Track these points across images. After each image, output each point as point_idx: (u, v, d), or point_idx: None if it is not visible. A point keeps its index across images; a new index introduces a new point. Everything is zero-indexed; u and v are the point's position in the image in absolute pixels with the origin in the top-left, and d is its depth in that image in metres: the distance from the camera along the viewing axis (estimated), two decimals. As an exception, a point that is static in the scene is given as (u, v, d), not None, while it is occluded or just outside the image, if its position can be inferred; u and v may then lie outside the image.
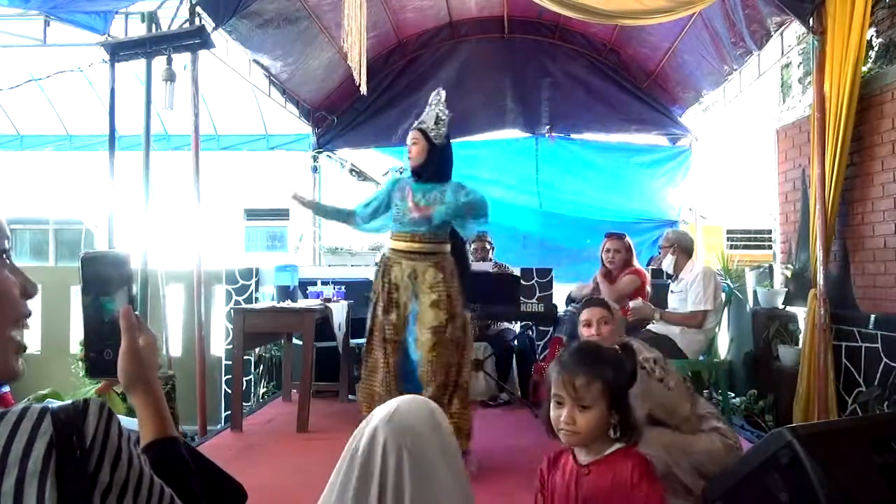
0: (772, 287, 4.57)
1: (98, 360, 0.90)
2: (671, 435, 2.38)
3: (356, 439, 1.33)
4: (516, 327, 5.01)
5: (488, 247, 5.09)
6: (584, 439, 1.57)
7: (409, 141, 3.25)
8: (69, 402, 0.70)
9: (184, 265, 4.99)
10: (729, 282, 4.74)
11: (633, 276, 4.35)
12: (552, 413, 1.59)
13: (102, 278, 0.90)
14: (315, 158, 6.68)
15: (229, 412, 4.63)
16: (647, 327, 3.99)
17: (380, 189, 3.43)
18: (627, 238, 4.53)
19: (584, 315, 2.63)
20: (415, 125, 3.26)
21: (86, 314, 0.90)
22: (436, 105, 3.26)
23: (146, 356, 0.90)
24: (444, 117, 3.24)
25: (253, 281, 5.63)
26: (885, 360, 3.39)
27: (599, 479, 1.56)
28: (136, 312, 0.92)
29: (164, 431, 0.88)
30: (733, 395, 4.43)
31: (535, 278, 5.54)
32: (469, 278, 4.58)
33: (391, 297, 3.21)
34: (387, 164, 7.13)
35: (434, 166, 3.21)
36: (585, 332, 2.60)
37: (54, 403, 0.75)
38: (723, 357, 4.71)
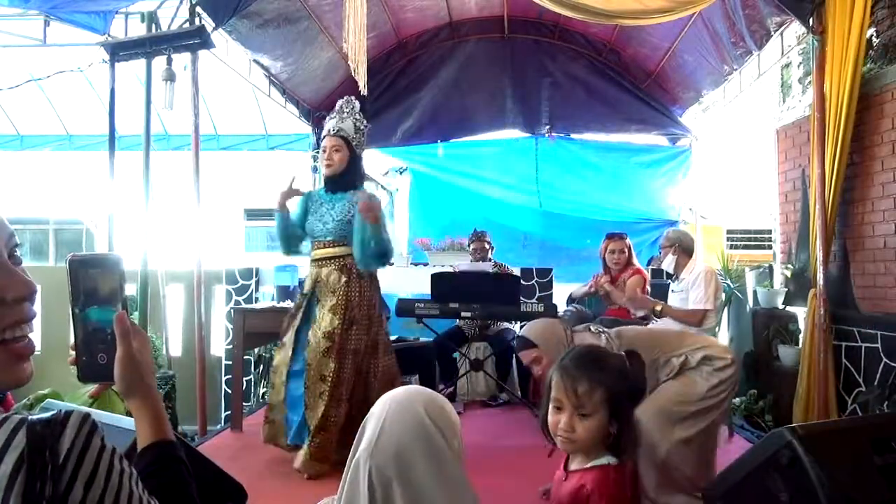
0: (772, 287, 4.57)
1: (91, 364, 0.88)
2: (669, 396, 2.36)
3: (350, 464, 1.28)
4: (516, 327, 5.00)
5: (488, 247, 5.09)
6: (581, 448, 1.53)
7: (328, 147, 3.17)
8: (51, 413, 0.68)
9: (184, 265, 4.99)
10: (729, 282, 4.75)
11: (638, 277, 4.36)
12: (550, 418, 1.55)
13: (94, 282, 0.88)
14: (315, 158, 6.66)
15: (229, 412, 4.63)
16: (648, 326, 3.99)
17: (297, 212, 3.30)
18: (627, 238, 4.55)
19: (523, 361, 2.62)
20: (333, 133, 3.17)
21: (77, 318, 0.88)
22: (349, 114, 3.22)
23: (142, 360, 0.89)
24: (362, 127, 3.24)
25: (253, 281, 5.63)
26: (885, 360, 3.39)
27: (568, 489, 1.54)
28: (131, 314, 0.90)
29: (161, 434, 0.88)
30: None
31: (535, 278, 5.54)
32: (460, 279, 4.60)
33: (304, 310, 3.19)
34: (387, 164, 7.13)
35: (351, 175, 3.21)
36: (535, 373, 2.62)
37: (59, 405, 0.74)
38: (723, 357, 4.70)
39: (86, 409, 0.90)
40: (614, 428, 1.51)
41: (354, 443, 1.29)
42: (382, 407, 1.29)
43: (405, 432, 1.23)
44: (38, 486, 0.62)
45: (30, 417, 0.66)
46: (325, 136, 3.20)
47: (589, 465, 1.53)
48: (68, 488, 0.64)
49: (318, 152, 6.58)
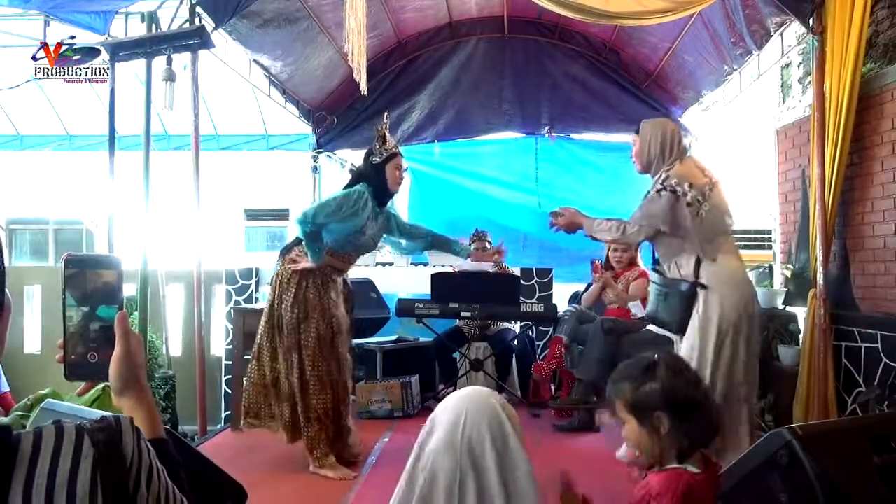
0: (772, 287, 4.57)
1: (81, 362, 0.89)
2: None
3: (420, 459, 1.39)
4: (516, 327, 5.01)
5: (488, 247, 5.08)
6: (638, 451, 1.58)
7: (402, 167, 3.27)
8: (98, 419, 0.73)
9: (184, 265, 4.99)
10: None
11: (643, 280, 4.31)
12: None
13: (103, 281, 0.89)
14: (315, 158, 6.67)
15: (229, 412, 4.63)
16: (648, 327, 3.98)
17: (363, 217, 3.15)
18: None
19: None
20: (400, 153, 3.26)
21: (71, 316, 0.88)
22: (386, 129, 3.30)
23: (138, 359, 0.91)
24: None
25: (253, 281, 5.63)
26: (885, 360, 3.39)
27: (636, 492, 1.56)
28: (131, 314, 0.91)
29: (156, 432, 0.90)
30: (733, 395, 4.42)
31: (535, 278, 5.54)
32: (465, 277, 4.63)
33: None
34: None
35: None
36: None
37: (59, 405, 0.76)
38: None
39: (96, 410, 0.91)
40: (657, 436, 1.53)
41: (422, 439, 1.42)
42: (458, 404, 1.42)
43: (486, 425, 1.37)
44: (115, 488, 0.68)
45: (83, 426, 0.71)
46: (396, 154, 3.24)
47: (662, 468, 1.55)
48: (136, 487, 0.71)
49: (318, 152, 6.62)
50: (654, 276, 2.99)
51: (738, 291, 2.68)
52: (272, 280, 3.22)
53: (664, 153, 2.80)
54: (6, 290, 0.78)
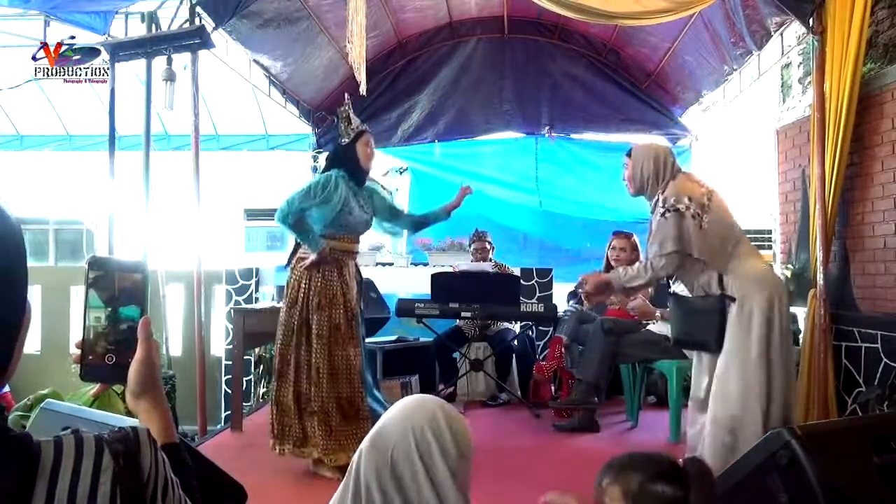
0: (772, 287, 4.55)
1: (98, 364, 0.89)
2: None
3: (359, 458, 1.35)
4: (516, 327, 5.01)
5: (488, 247, 5.09)
6: None
7: (372, 144, 3.25)
8: (116, 430, 0.73)
9: (184, 265, 5.00)
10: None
11: None
12: None
13: (131, 283, 0.89)
14: (315, 158, 6.67)
15: (229, 412, 4.63)
16: (648, 327, 3.98)
17: (340, 196, 3.13)
18: (635, 237, 4.46)
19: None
20: (368, 130, 3.26)
21: (98, 317, 0.88)
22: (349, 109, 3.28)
23: (157, 364, 0.91)
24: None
25: (253, 281, 5.63)
26: (885, 360, 3.39)
27: None
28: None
29: (170, 437, 0.90)
30: (733, 395, 4.42)
31: (535, 278, 5.53)
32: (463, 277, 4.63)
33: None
34: (387, 164, 7.13)
35: None
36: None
37: (59, 405, 0.76)
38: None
39: (96, 411, 0.91)
40: None
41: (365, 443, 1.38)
42: (399, 417, 1.35)
43: (408, 429, 1.30)
44: (132, 502, 0.69)
45: (102, 437, 0.71)
46: (363, 132, 3.22)
47: None
48: (152, 500, 0.72)
49: (318, 152, 6.62)
50: (671, 301, 2.97)
51: (764, 291, 2.62)
52: (284, 290, 3.16)
53: (658, 175, 2.79)
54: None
